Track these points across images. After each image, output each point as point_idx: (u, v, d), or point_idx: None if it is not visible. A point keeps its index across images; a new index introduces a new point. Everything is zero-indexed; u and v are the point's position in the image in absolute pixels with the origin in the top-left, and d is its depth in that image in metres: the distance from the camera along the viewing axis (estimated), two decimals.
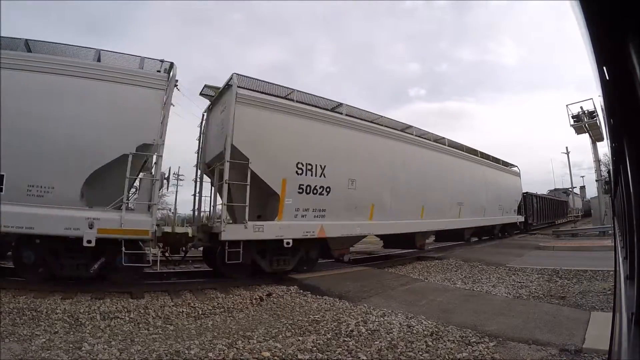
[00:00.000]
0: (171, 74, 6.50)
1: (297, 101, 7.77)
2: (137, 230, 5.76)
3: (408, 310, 4.85)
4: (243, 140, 6.68)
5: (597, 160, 20.89)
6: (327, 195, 7.78)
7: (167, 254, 7.18)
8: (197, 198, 8.30)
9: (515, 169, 19.28)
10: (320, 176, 7.69)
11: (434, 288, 6.48)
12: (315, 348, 3.51)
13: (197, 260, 10.29)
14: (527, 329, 3.95)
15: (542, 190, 34.38)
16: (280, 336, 3.91)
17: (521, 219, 19.28)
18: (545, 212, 25.52)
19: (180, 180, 11.92)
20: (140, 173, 6.45)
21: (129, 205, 5.97)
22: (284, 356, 3.33)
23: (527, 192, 21.13)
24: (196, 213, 8.39)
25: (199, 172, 8.38)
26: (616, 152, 1.62)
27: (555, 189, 38.11)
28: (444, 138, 12.48)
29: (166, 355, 3.29)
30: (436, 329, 4.04)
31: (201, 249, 8.23)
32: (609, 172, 8.38)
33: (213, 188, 7.82)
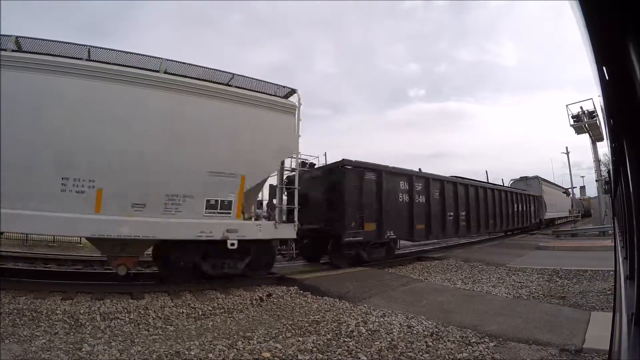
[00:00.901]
0: None
1: None
2: None
3: (408, 310, 4.85)
4: None
5: (597, 160, 20.90)
6: None
7: None
8: None
9: (286, 101, 7.22)
10: None
11: (434, 288, 6.48)
12: (315, 348, 3.51)
13: None
14: (528, 329, 3.95)
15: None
16: (281, 337, 3.91)
17: (267, 230, 6.69)
18: (479, 214, 13.46)
19: None
20: None
21: None
22: (284, 357, 3.33)
23: (359, 164, 9.02)
24: None
25: None
26: (616, 152, 1.62)
27: (523, 178, 25.54)
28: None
29: (166, 356, 3.29)
30: (436, 329, 4.04)
31: None
32: (609, 172, 8.39)
33: None
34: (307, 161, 9.84)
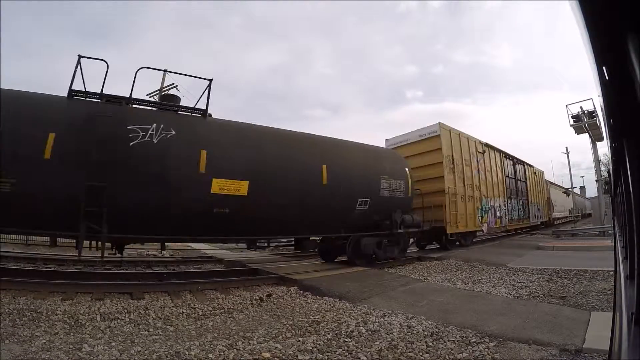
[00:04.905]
0: None
1: None
2: None
3: (408, 310, 4.85)
4: None
5: (597, 160, 20.91)
6: None
7: None
8: None
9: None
10: None
11: (434, 288, 6.48)
12: (315, 349, 3.51)
13: (197, 261, 10.30)
14: (528, 329, 3.95)
15: None
16: (281, 337, 3.91)
17: None
18: None
19: None
20: None
21: None
22: (284, 357, 3.33)
23: None
24: None
25: None
26: (616, 152, 1.62)
27: None
28: None
29: (166, 357, 3.28)
30: (436, 330, 4.04)
31: None
32: (608, 172, 8.38)
33: None
34: None
